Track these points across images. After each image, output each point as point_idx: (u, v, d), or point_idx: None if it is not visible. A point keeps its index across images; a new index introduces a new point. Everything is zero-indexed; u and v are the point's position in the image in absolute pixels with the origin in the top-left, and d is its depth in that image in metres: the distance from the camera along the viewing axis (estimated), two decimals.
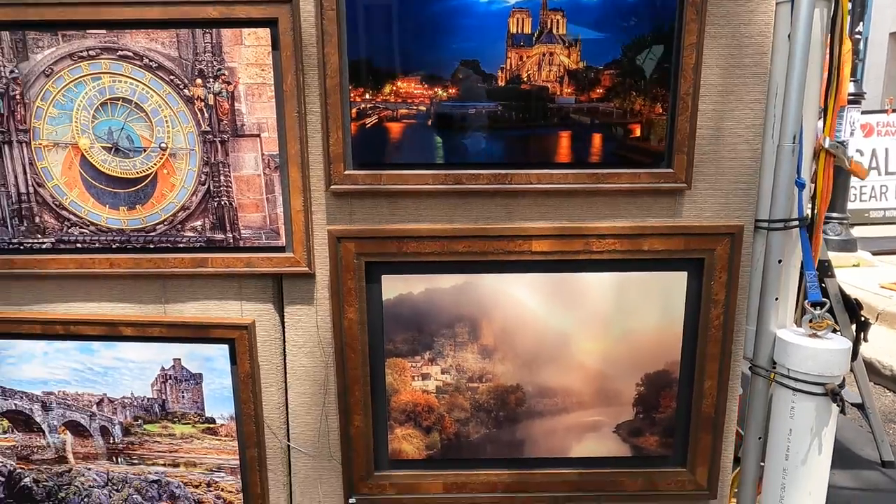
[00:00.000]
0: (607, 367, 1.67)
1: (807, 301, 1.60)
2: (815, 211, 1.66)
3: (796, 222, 1.59)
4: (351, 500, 1.72)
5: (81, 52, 1.49)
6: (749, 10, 1.51)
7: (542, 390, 1.68)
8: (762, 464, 1.74)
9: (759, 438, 1.74)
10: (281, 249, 1.60)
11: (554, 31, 1.49)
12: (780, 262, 1.61)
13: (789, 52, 1.51)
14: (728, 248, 1.58)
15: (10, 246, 1.60)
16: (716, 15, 1.51)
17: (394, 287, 1.61)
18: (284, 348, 1.69)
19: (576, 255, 1.58)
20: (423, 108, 1.52)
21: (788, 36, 1.51)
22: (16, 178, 1.56)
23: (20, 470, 1.72)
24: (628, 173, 1.56)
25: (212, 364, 1.63)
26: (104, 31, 1.48)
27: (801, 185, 1.57)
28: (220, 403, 1.66)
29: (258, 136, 1.53)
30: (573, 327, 1.64)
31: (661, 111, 1.53)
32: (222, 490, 1.72)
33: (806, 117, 1.56)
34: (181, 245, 1.60)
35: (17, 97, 1.51)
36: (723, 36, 1.52)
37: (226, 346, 1.61)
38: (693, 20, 1.47)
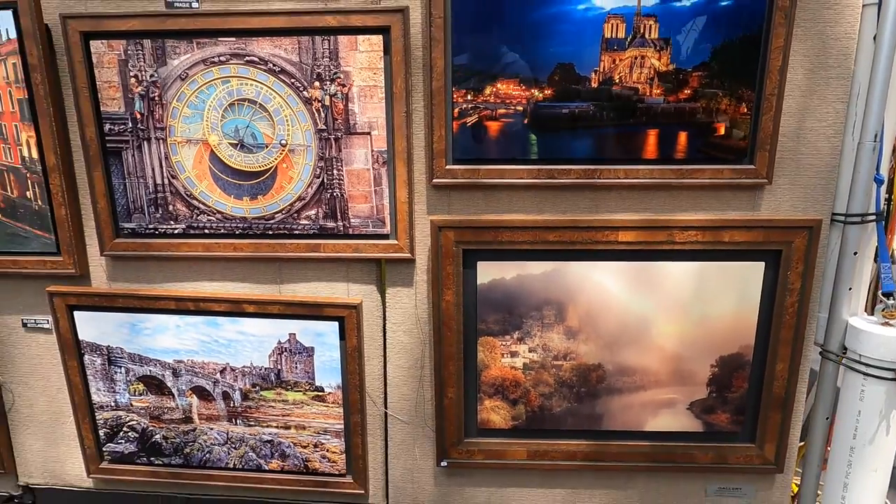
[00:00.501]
0: (684, 349, 1.79)
1: (880, 291, 1.68)
2: (892, 205, 1.74)
3: (873, 216, 1.67)
4: (443, 464, 1.90)
5: (213, 57, 1.65)
6: (835, 13, 1.58)
7: (622, 369, 1.82)
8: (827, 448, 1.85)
9: (826, 419, 1.85)
10: (385, 237, 1.76)
11: (646, 35, 1.58)
12: (855, 253, 1.70)
13: (874, 54, 1.58)
14: (806, 240, 1.68)
15: (147, 231, 1.80)
16: (803, 18, 1.58)
17: (488, 272, 1.76)
18: (385, 325, 1.86)
19: (659, 245, 1.70)
20: (520, 108, 1.64)
21: (874, 37, 1.57)
22: (153, 170, 1.75)
23: (152, 427, 1.95)
24: (711, 169, 1.66)
25: (323, 339, 1.81)
26: (234, 39, 1.63)
27: (879, 181, 1.65)
28: (328, 374, 1.84)
29: (369, 133, 1.68)
30: (653, 311, 1.76)
31: (745, 111, 1.62)
32: (327, 451, 1.92)
33: (887, 116, 1.63)
34: (296, 232, 1.77)
35: (156, 99, 1.69)
36: (809, 38, 1.59)
37: (336, 323, 1.79)
38: (781, 24, 1.55)
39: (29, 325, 1.94)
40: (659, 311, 1.76)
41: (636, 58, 1.60)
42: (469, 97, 1.64)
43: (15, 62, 1.67)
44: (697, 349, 1.79)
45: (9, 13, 1.63)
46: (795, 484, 2.00)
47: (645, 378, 1.82)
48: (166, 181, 1.76)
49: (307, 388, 1.87)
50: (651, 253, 1.72)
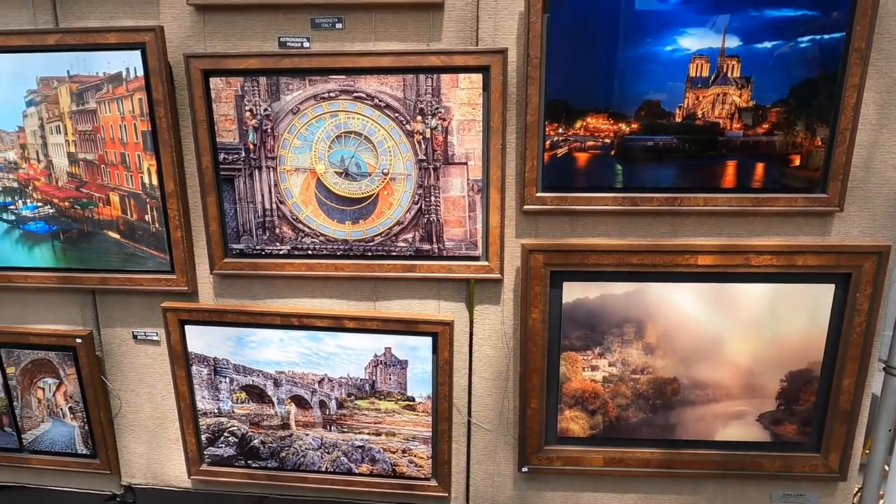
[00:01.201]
0: (755, 365, 1.91)
1: None
2: None
3: None
4: (524, 469, 2.03)
5: (324, 93, 1.79)
6: None
7: (696, 383, 1.94)
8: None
9: (889, 430, 1.96)
10: (476, 259, 1.89)
11: (729, 74, 1.70)
12: None
13: None
14: (875, 264, 1.79)
15: (254, 251, 1.94)
16: (876, 58, 1.69)
17: (573, 292, 1.88)
18: (471, 340, 1.99)
19: (736, 268, 1.82)
20: (607, 140, 1.77)
21: None
22: (262, 196, 1.89)
23: (251, 433, 2.09)
24: (786, 198, 1.77)
25: (416, 353, 1.95)
26: (343, 77, 1.77)
27: None
28: (419, 385, 1.98)
29: (465, 163, 1.81)
30: (727, 329, 1.88)
31: (819, 144, 1.73)
32: (415, 456, 2.05)
33: None
34: (394, 253, 1.90)
35: (268, 130, 1.83)
36: (882, 76, 1.70)
37: (429, 339, 1.93)
38: (856, 64, 1.66)
39: (139, 337, 2.09)
40: (733, 329, 1.88)
41: (719, 95, 1.72)
42: (560, 130, 1.77)
43: (141, 97, 1.81)
44: (768, 365, 1.91)
45: (137, 53, 1.78)
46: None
47: (717, 391, 1.94)
48: (274, 206, 1.90)
49: (399, 398, 2.00)
50: (727, 275, 1.83)
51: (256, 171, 1.87)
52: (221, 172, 1.87)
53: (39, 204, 1.96)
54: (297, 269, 1.94)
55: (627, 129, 1.76)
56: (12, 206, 1.97)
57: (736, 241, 1.83)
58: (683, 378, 1.94)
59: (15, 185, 1.96)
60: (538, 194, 1.82)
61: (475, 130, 1.79)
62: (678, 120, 1.74)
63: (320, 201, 1.88)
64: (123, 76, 1.81)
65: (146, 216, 1.93)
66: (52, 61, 1.83)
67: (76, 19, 1.84)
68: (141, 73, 1.79)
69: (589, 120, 1.76)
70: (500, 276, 1.89)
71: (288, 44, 1.80)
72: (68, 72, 1.83)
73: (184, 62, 1.79)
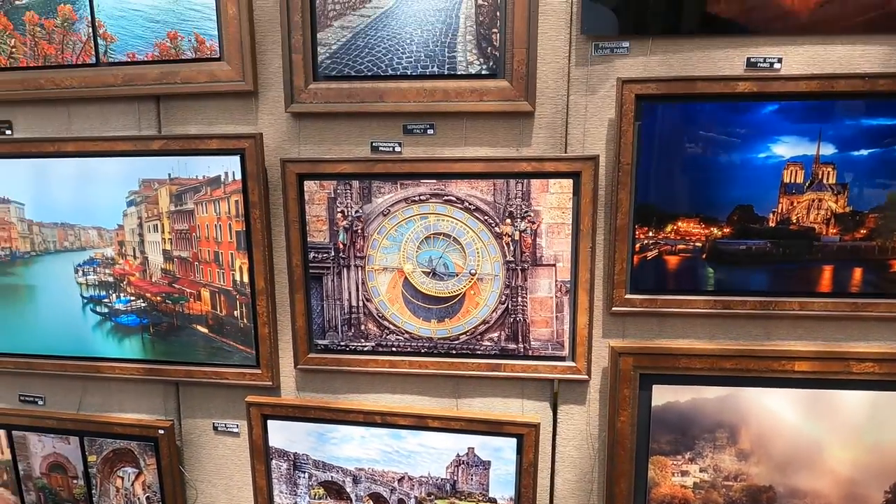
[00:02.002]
0: (857, 474, 1.82)
1: None
2: None
3: None
4: None
5: (414, 196, 1.83)
6: None
7: (793, 491, 1.85)
8: None
9: None
10: (563, 359, 1.87)
11: (824, 180, 1.69)
12: None
13: None
14: None
15: (339, 347, 1.95)
16: None
17: (663, 395, 1.84)
18: (554, 440, 1.95)
19: (835, 375, 1.76)
20: (698, 244, 1.76)
21: None
22: (349, 294, 1.92)
23: None
24: (886, 303, 1.73)
25: (500, 453, 1.91)
26: (435, 181, 1.81)
27: None
28: (501, 486, 1.93)
29: (554, 265, 1.82)
30: (826, 436, 1.81)
31: None
32: None
33: None
34: (478, 352, 1.90)
35: (358, 231, 1.87)
36: None
37: (514, 440, 1.89)
38: None
39: (219, 429, 2.10)
40: (832, 436, 1.81)
41: (814, 201, 1.71)
42: (650, 233, 1.77)
43: (237, 199, 1.88)
44: (871, 474, 1.82)
45: (236, 158, 1.85)
46: None
47: (816, 501, 1.85)
48: (361, 304, 1.92)
49: (480, 498, 1.96)
50: (826, 382, 1.78)
51: (345, 269, 1.90)
52: (311, 270, 1.91)
53: (132, 298, 2.02)
54: (381, 366, 1.94)
55: (719, 233, 1.75)
56: (106, 300, 2.04)
57: (834, 346, 1.77)
58: (779, 486, 1.86)
59: (110, 279, 2.02)
60: (627, 296, 1.81)
61: (564, 233, 1.80)
62: (772, 225, 1.73)
63: (407, 300, 1.90)
64: (222, 179, 1.88)
65: (235, 312, 1.96)
66: (154, 164, 1.91)
67: (178, 124, 1.94)
68: (239, 176, 1.86)
69: (680, 224, 1.76)
70: (586, 376, 1.86)
71: (380, 148, 1.85)
72: (169, 174, 1.91)
73: (280, 166, 1.85)
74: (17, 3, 1.92)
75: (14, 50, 1.95)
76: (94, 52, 1.90)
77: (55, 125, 2.00)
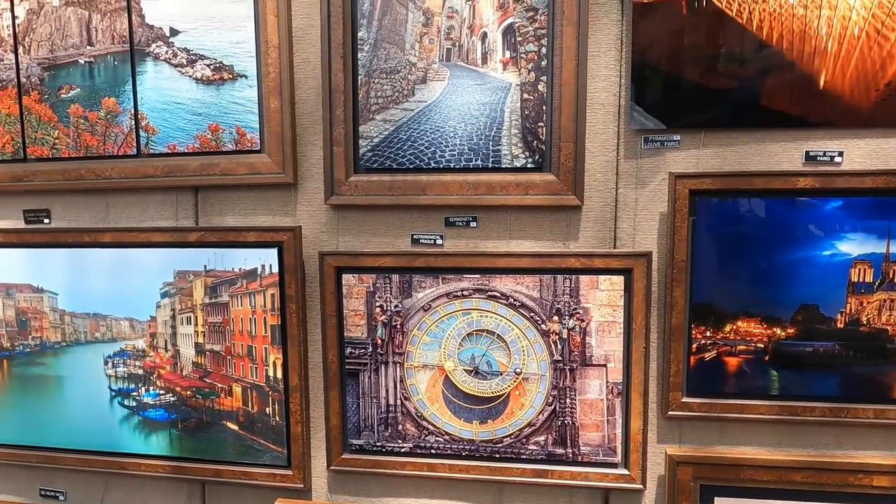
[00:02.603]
0: None
1: None
2: None
3: None
4: None
5: (457, 291, 1.76)
6: None
7: None
8: None
9: None
10: (615, 465, 1.74)
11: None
12: None
13: None
14: None
15: (374, 448, 1.84)
16: None
17: None
18: None
19: None
20: (760, 345, 1.65)
21: None
22: (386, 392, 1.83)
23: None
24: None
25: None
26: (478, 276, 1.74)
27: None
28: None
29: (604, 365, 1.71)
30: None
31: None
32: None
33: None
34: (524, 456, 1.78)
35: (398, 326, 1.80)
36: None
37: None
38: None
39: None
40: None
41: (885, 301, 1.60)
42: (708, 333, 1.67)
43: (273, 293, 1.82)
44: None
45: (274, 251, 1.81)
46: None
47: None
48: (399, 402, 1.82)
49: None
50: None
51: (382, 366, 1.82)
52: (347, 367, 1.83)
53: (161, 392, 1.95)
54: (419, 469, 1.82)
55: (783, 333, 1.64)
56: (135, 393, 1.97)
57: None
58: None
59: (140, 372, 1.96)
60: (684, 399, 1.69)
61: (615, 332, 1.70)
62: (840, 326, 1.62)
63: (447, 399, 1.80)
64: (258, 272, 1.83)
65: (267, 409, 1.88)
66: (190, 256, 1.88)
67: (215, 215, 1.91)
68: (276, 269, 1.81)
69: (740, 323, 1.66)
70: (641, 486, 1.72)
71: (421, 240, 1.80)
72: (205, 266, 1.87)
73: (318, 260, 1.80)
74: (62, 96, 1.95)
75: (57, 141, 1.96)
76: (135, 144, 1.90)
77: (93, 214, 1.99)
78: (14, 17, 1.95)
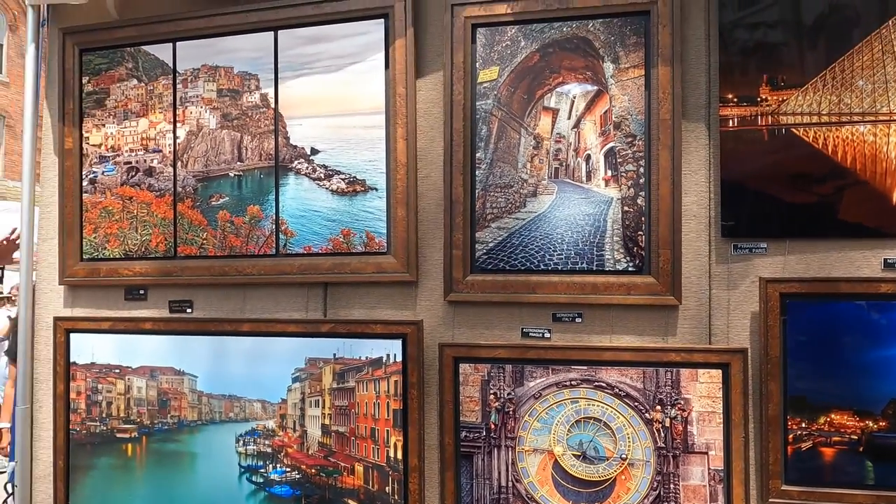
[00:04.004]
0: None
1: None
2: None
3: None
4: None
5: (565, 381, 1.94)
6: None
7: None
8: None
9: None
10: None
11: None
12: None
13: None
14: None
15: None
16: None
17: None
18: None
19: None
20: (854, 436, 1.78)
21: None
22: (499, 474, 1.98)
23: None
24: None
25: None
26: (585, 367, 1.93)
27: None
28: None
29: (706, 453, 1.86)
30: None
31: None
32: None
33: None
34: None
35: (510, 412, 1.98)
36: None
37: None
38: None
39: None
40: None
41: None
42: (803, 425, 1.81)
43: (396, 380, 2.03)
44: None
45: (398, 342, 2.03)
46: None
47: None
48: (510, 484, 1.97)
49: None
50: None
51: (495, 449, 1.98)
52: (461, 449, 2.00)
53: (288, 469, 2.13)
54: None
55: (875, 426, 1.77)
56: (262, 470, 2.15)
57: None
58: None
59: (269, 450, 2.15)
60: (783, 488, 1.81)
61: (715, 422, 1.85)
62: None
63: (556, 482, 1.95)
64: (383, 361, 2.05)
65: (387, 488, 2.04)
66: (321, 345, 2.11)
67: (342, 308, 2.15)
68: (400, 358, 2.03)
69: (833, 416, 1.80)
70: None
71: (530, 334, 2.00)
72: (334, 354, 2.10)
73: (438, 350, 2.02)
74: (212, 203, 2.26)
75: (205, 241, 2.25)
76: (275, 245, 2.18)
77: (231, 306, 2.25)
78: (175, 138, 2.30)
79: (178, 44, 2.30)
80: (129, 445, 2.27)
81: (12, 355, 3.67)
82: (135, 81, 2.34)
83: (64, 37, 2.39)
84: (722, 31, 1.89)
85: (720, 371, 1.85)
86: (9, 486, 2.42)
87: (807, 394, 1.81)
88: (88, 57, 2.38)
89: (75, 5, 2.41)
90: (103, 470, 2.28)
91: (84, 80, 2.39)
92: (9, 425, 3.65)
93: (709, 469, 1.85)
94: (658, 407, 1.89)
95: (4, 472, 3.71)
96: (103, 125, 2.37)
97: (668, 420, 1.88)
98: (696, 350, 1.87)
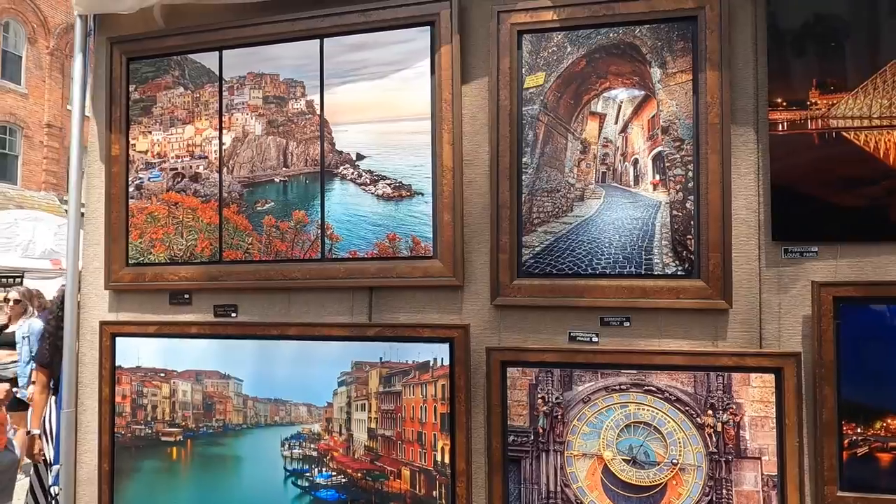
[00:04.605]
0: None
1: None
2: None
3: None
4: None
5: (615, 386, 1.94)
6: None
7: None
8: None
9: None
10: None
11: None
12: None
13: None
14: None
15: None
16: None
17: None
18: None
19: None
20: None
21: None
22: (547, 478, 1.98)
23: None
24: None
25: None
26: (635, 372, 1.92)
27: None
28: None
29: (759, 458, 1.84)
30: None
31: None
32: None
33: None
34: None
35: (559, 417, 1.97)
36: None
37: None
38: None
39: None
40: None
41: None
42: (859, 430, 1.79)
43: (444, 384, 2.03)
44: None
45: (446, 346, 2.03)
46: None
47: None
48: (559, 489, 1.97)
49: None
50: None
51: (543, 454, 1.98)
52: (509, 454, 2.00)
53: (333, 473, 2.14)
54: None
55: None
56: (308, 474, 2.16)
57: None
58: None
59: (314, 454, 2.16)
60: (839, 494, 1.79)
61: (768, 426, 1.84)
62: None
63: (606, 487, 1.94)
64: (430, 364, 2.06)
65: (434, 492, 2.04)
66: (367, 349, 2.12)
67: (387, 312, 2.16)
68: (447, 362, 2.03)
69: (889, 421, 1.78)
70: None
71: (578, 338, 2.01)
72: (381, 358, 2.11)
73: (485, 354, 2.02)
74: (258, 208, 2.28)
75: (250, 246, 2.28)
76: (320, 250, 2.20)
77: (276, 310, 2.27)
78: (221, 144, 2.33)
79: (224, 52, 2.34)
80: (174, 449, 2.28)
81: (44, 361, 3.71)
82: (181, 89, 2.38)
83: (112, 46, 2.43)
84: (770, 35, 1.90)
85: (773, 375, 1.84)
86: (53, 489, 2.44)
87: (862, 398, 1.80)
88: (136, 65, 2.43)
89: (123, 15, 2.47)
90: (148, 473, 2.30)
91: (131, 88, 2.43)
92: (38, 431, 3.68)
93: (762, 474, 1.84)
94: (709, 411, 1.88)
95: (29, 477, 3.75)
96: (150, 132, 2.41)
97: (719, 424, 1.87)
98: (748, 354, 1.86)
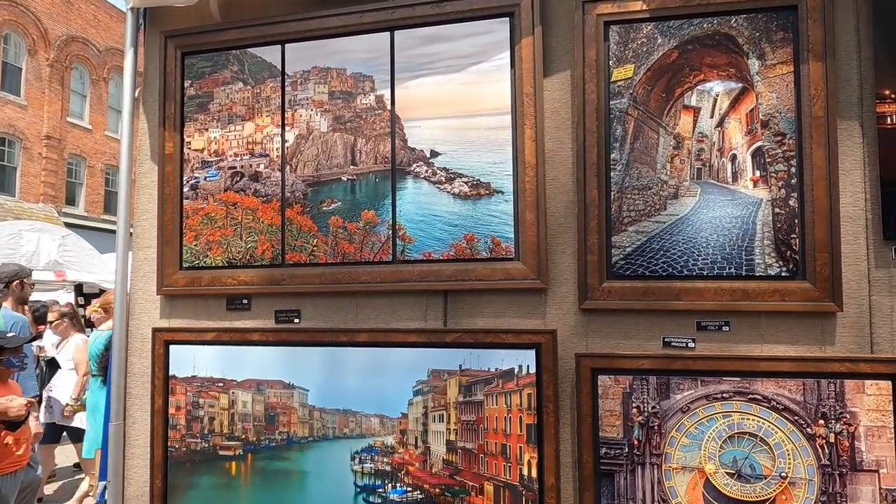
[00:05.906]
0: None
1: None
2: None
3: None
4: None
5: (716, 394, 1.83)
6: None
7: None
8: None
9: None
10: None
11: None
12: None
13: None
14: None
15: None
16: None
17: None
18: None
19: None
20: None
21: None
22: (643, 494, 1.85)
23: None
24: None
25: None
26: (738, 379, 1.81)
27: None
28: None
29: (876, 471, 1.73)
30: None
31: None
32: None
33: None
34: None
35: (655, 427, 1.86)
36: None
37: None
38: None
39: None
40: None
41: None
42: None
43: (530, 393, 1.92)
44: None
45: (531, 352, 1.92)
46: None
47: None
48: None
49: None
50: None
51: (639, 467, 1.86)
52: (601, 467, 1.88)
53: (409, 489, 2.01)
54: None
55: None
56: (381, 489, 2.03)
57: None
58: None
59: (388, 468, 2.03)
60: None
61: (886, 437, 1.73)
62: None
63: (708, 502, 1.82)
64: (515, 372, 1.94)
65: None
66: (445, 356, 2.00)
67: (465, 317, 2.05)
68: (533, 370, 1.92)
69: None
70: None
71: (673, 343, 1.89)
72: (460, 366, 1.99)
73: (574, 361, 1.91)
74: (324, 208, 2.17)
75: (315, 248, 2.16)
76: (391, 251, 2.09)
77: (342, 316, 2.15)
78: (284, 141, 2.22)
79: (286, 46, 2.23)
80: (233, 463, 2.15)
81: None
82: (240, 84, 2.28)
83: (166, 40, 2.33)
84: (875, 23, 1.82)
85: (889, 382, 1.73)
86: None
87: None
88: (191, 60, 2.32)
89: (174, 9, 2.37)
90: (204, 490, 2.16)
91: (186, 84, 2.32)
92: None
93: (879, 488, 1.72)
94: (821, 421, 1.76)
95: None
96: (206, 129, 2.30)
97: (832, 435, 1.75)
98: (862, 360, 1.75)
